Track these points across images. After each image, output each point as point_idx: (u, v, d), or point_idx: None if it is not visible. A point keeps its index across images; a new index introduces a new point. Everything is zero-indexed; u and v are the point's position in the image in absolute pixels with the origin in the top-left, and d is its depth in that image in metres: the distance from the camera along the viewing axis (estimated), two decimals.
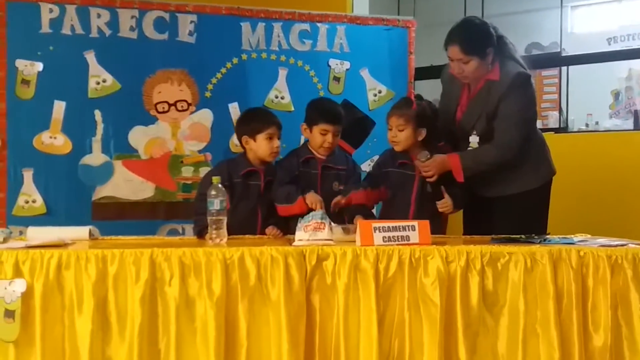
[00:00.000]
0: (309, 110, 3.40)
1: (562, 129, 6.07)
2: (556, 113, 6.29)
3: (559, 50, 6.53)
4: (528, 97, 3.27)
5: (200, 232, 2.91)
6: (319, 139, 3.27)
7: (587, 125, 6.10)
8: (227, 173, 3.14)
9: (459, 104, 3.37)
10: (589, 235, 2.91)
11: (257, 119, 3.28)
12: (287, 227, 3.06)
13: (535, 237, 2.76)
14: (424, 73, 5.23)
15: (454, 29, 3.23)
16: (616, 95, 6.20)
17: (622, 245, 2.58)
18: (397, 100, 3.39)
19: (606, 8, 6.56)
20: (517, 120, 3.20)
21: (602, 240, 2.72)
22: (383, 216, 3.31)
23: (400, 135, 3.12)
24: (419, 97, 3.26)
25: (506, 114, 3.19)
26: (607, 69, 6.25)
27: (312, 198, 3.02)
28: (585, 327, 2.47)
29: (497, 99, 3.20)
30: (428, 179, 3.11)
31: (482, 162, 3.19)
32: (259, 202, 3.19)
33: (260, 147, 3.18)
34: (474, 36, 3.20)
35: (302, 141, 3.97)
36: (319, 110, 3.33)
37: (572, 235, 2.87)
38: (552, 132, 5.73)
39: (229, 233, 2.70)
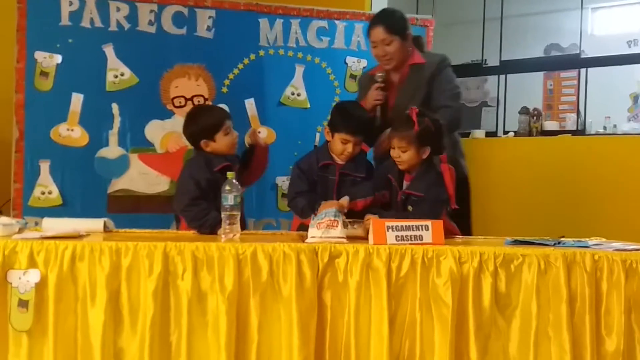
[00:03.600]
0: (334, 114, 3.26)
1: (580, 132, 6.03)
2: (574, 115, 6.25)
3: (578, 52, 6.48)
4: (455, 77, 3.53)
5: (213, 229, 2.80)
6: (339, 146, 3.15)
7: (605, 128, 6.05)
8: (204, 175, 2.98)
9: (389, 95, 3.45)
10: (604, 239, 2.89)
11: (206, 119, 3.09)
12: None
13: (550, 239, 2.74)
14: None
15: (375, 16, 3.50)
16: (635, 98, 6.15)
17: (638, 249, 2.55)
18: (399, 119, 3.13)
19: (627, 10, 6.49)
20: (453, 94, 3.45)
21: (617, 244, 2.69)
22: None
23: (403, 156, 2.97)
24: (421, 114, 2.98)
25: (443, 88, 3.42)
26: (627, 71, 6.20)
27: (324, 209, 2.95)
28: (598, 331, 2.45)
29: (428, 78, 3.41)
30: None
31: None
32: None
33: (221, 144, 3.05)
34: (395, 18, 3.45)
35: (317, 138, 3.97)
36: (344, 118, 3.17)
37: (587, 239, 2.84)
38: (570, 134, 5.69)
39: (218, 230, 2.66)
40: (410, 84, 3.43)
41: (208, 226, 2.82)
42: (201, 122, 3.09)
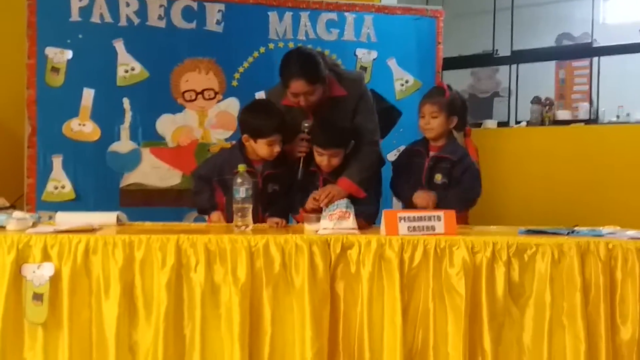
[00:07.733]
0: (313, 125, 3.12)
1: (593, 121, 5.99)
2: (587, 104, 6.20)
3: (590, 41, 6.44)
4: (372, 99, 3.34)
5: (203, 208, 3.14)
6: (318, 158, 3.07)
7: (618, 117, 6.00)
8: (218, 170, 3.08)
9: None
10: (618, 228, 2.87)
11: (261, 121, 2.98)
12: (287, 215, 3.07)
13: (563, 228, 2.73)
14: (451, 63, 5.19)
15: (290, 64, 3.07)
16: None
17: None
18: (429, 90, 3.36)
19: None
20: (375, 127, 3.28)
21: (632, 232, 2.67)
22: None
23: (433, 122, 3.14)
24: (449, 87, 3.24)
25: (369, 119, 3.24)
26: (639, 60, 6.16)
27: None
28: (613, 320, 2.43)
29: (352, 109, 3.19)
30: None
31: (368, 165, 3.14)
32: (257, 199, 2.90)
33: (260, 149, 3.00)
34: (314, 65, 3.08)
35: None
36: (320, 132, 3.07)
37: (601, 227, 2.82)
38: (583, 124, 5.66)
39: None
40: (335, 115, 3.17)
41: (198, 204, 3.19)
42: (252, 121, 3.03)
